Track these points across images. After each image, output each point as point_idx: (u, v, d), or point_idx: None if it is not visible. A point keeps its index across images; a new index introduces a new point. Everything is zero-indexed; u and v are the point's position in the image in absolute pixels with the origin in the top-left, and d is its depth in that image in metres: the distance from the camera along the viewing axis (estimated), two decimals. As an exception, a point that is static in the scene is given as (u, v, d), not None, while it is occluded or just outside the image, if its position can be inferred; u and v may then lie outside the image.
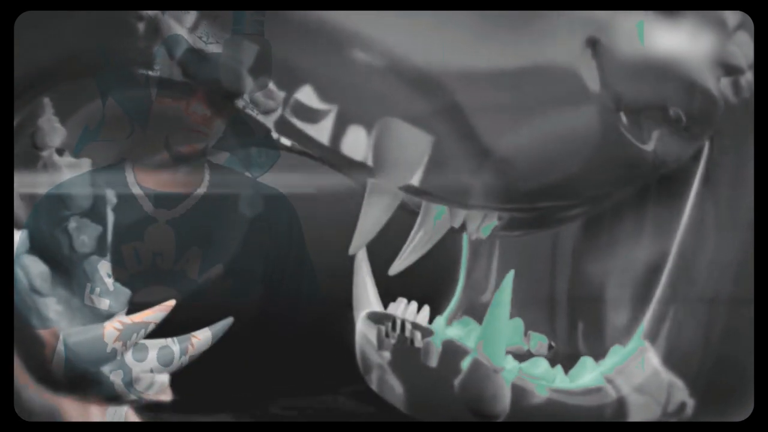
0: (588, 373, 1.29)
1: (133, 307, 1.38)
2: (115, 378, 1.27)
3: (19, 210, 1.25)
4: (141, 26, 1.16)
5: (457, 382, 1.22)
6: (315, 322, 1.69)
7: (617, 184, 1.23)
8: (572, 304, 1.42)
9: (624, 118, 1.19)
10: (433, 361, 1.23)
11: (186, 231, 1.61)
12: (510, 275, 1.24)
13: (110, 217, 1.29)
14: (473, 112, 1.12)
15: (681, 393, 1.29)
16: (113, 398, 1.29)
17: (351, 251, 1.27)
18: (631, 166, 1.21)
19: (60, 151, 1.26)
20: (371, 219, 1.23)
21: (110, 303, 1.30)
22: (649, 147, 1.21)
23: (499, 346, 1.24)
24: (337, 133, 1.11)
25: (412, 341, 1.25)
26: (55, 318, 1.25)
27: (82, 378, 1.26)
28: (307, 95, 1.10)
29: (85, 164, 1.27)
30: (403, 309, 1.31)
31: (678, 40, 1.22)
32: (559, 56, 1.16)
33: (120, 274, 1.54)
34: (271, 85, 1.11)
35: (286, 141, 1.22)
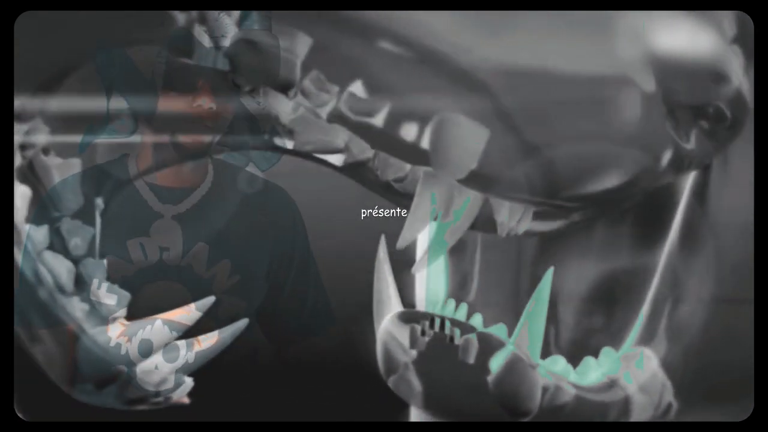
0: (592, 372, 1.29)
1: (140, 303, 1.37)
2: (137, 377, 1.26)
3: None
4: (181, 17, 1.15)
5: (491, 378, 1.21)
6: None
7: (651, 185, 1.25)
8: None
9: (671, 118, 1.20)
10: (472, 358, 1.22)
11: (192, 226, 1.61)
12: (550, 271, 1.24)
13: (98, 222, 1.28)
14: (522, 113, 1.12)
15: (669, 394, 1.30)
16: (137, 400, 1.27)
17: (399, 246, 1.26)
18: (670, 166, 1.22)
19: (45, 151, 1.24)
20: (423, 212, 1.23)
21: (117, 299, 1.29)
22: (690, 146, 1.23)
23: (537, 342, 1.24)
24: (391, 126, 1.12)
25: (451, 338, 1.23)
26: (82, 317, 1.24)
27: (99, 377, 1.25)
28: (359, 90, 1.11)
29: (75, 164, 1.25)
30: (441, 306, 1.31)
31: (713, 40, 1.24)
32: (613, 58, 1.17)
33: (127, 269, 1.56)
34: (324, 78, 1.11)
35: (286, 143, 1.25)
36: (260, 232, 1.66)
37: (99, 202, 1.28)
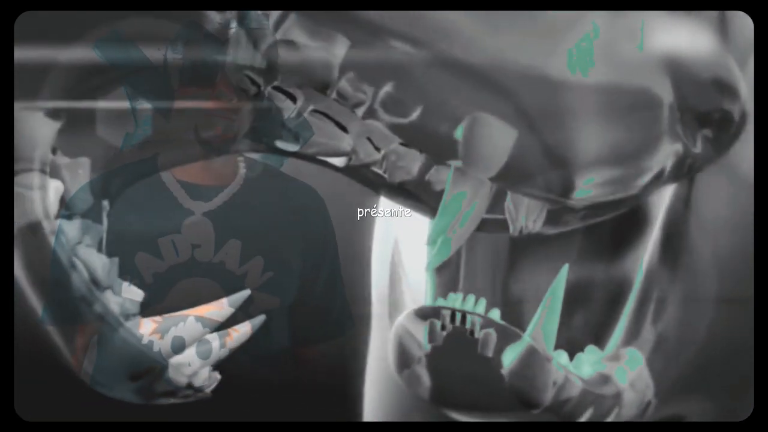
0: (585, 366, 1.30)
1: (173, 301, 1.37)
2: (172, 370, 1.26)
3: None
4: (218, 17, 1.16)
5: (507, 370, 1.22)
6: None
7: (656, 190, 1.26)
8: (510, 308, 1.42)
9: (681, 123, 1.20)
10: (491, 351, 1.22)
11: (224, 223, 1.61)
12: (565, 267, 1.25)
13: (105, 223, 1.27)
14: (544, 117, 1.14)
15: (650, 392, 1.31)
16: (166, 394, 1.27)
17: (428, 243, 1.26)
18: (675, 171, 1.22)
19: (53, 150, 1.23)
20: (452, 210, 1.22)
21: (135, 296, 1.29)
22: (696, 149, 1.23)
23: (553, 335, 1.24)
24: (424, 125, 1.13)
25: (472, 332, 1.24)
26: (118, 310, 1.24)
27: (134, 371, 1.25)
28: (393, 91, 1.12)
29: (84, 162, 1.25)
30: (461, 301, 1.30)
31: (721, 45, 1.24)
32: (632, 67, 1.17)
33: (158, 266, 1.56)
34: (360, 79, 1.12)
35: (289, 147, 1.26)
36: (292, 229, 1.65)
37: (105, 204, 1.28)
